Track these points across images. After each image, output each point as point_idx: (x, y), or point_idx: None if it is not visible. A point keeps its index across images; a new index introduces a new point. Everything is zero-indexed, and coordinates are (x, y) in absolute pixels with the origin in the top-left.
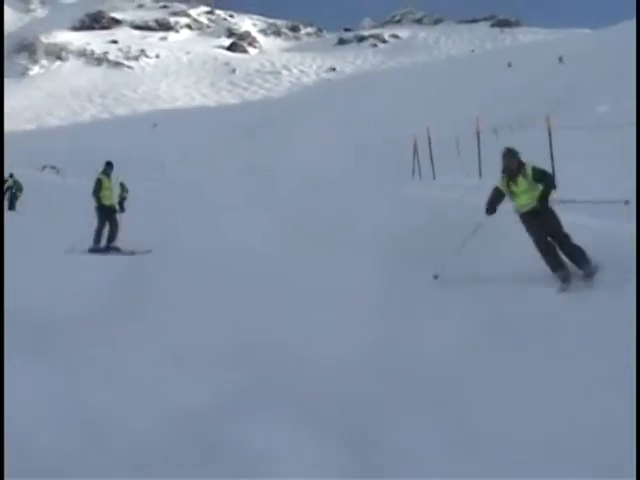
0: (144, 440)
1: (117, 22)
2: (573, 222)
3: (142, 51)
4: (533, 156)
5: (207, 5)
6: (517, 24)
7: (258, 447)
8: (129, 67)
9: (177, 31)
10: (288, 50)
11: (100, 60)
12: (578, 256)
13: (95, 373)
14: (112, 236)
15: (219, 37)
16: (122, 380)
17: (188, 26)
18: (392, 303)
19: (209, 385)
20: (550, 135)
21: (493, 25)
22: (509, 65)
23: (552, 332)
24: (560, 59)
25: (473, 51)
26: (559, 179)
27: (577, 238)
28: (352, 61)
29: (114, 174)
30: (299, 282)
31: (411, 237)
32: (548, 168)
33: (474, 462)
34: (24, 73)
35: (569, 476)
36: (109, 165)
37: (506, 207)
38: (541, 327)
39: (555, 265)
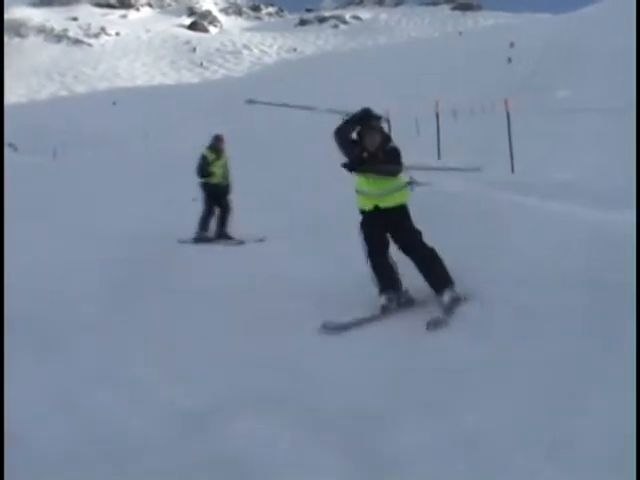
0: (144, 442)
1: None
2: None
3: (102, 29)
4: (492, 138)
5: None
6: (478, 8)
7: (258, 452)
8: (89, 45)
9: (138, 9)
10: (249, 30)
11: (60, 37)
12: None
13: (95, 373)
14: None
15: (180, 16)
16: (122, 380)
17: (149, 4)
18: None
19: (210, 388)
20: (509, 118)
21: (454, 8)
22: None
23: (552, 332)
24: (511, 44)
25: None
26: (518, 161)
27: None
28: (313, 42)
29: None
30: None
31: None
32: (507, 150)
33: (474, 464)
34: None
35: (569, 476)
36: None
37: None
38: (541, 327)
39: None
